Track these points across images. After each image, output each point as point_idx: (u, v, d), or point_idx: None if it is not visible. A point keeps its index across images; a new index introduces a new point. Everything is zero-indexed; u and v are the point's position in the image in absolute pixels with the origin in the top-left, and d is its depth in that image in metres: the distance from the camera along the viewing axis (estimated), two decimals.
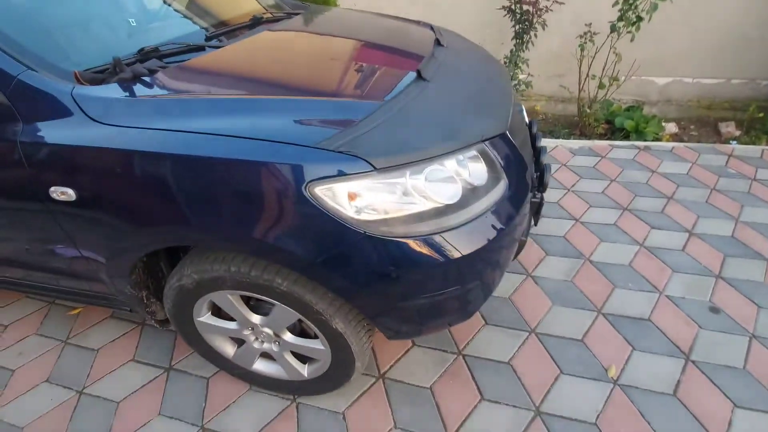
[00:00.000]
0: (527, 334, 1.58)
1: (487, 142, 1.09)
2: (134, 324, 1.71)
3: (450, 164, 1.00)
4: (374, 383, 1.44)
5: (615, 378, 1.42)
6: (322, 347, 1.18)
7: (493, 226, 1.03)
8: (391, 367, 1.49)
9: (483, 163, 1.07)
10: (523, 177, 1.19)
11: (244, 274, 1.03)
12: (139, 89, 1.03)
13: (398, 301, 1.01)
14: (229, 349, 1.35)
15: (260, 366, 1.36)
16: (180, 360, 1.56)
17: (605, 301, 1.70)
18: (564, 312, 1.66)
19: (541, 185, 1.33)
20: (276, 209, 0.91)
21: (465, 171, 1.02)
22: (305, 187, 0.88)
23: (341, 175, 0.89)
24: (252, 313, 1.20)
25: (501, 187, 1.08)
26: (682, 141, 3.05)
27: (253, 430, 1.33)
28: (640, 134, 3.02)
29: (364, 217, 0.92)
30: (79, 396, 1.47)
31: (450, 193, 0.97)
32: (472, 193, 1.02)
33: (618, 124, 3.09)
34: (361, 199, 0.91)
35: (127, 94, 1.01)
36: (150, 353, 1.60)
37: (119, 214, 1.00)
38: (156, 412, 1.40)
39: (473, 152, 1.06)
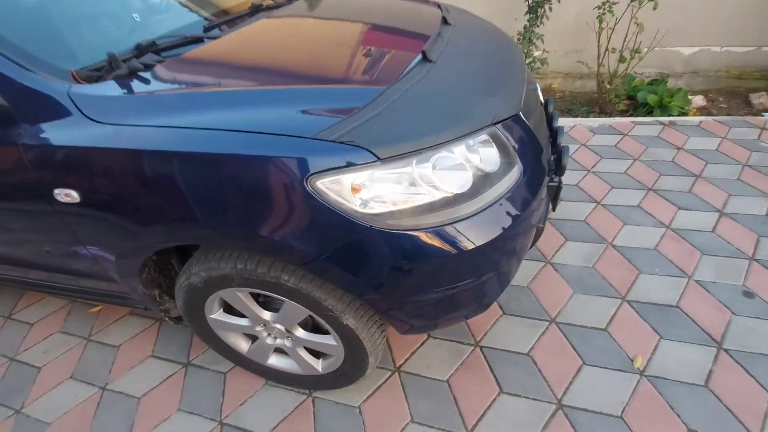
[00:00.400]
0: (547, 323, 1.53)
1: (499, 125, 1.03)
2: (152, 320, 1.73)
3: (459, 150, 0.94)
4: (390, 377, 1.42)
5: (641, 369, 1.36)
6: (335, 343, 1.15)
7: (508, 214, 0.97)
8: (406, 359, 1.47)
9: (495, 147, 1.01)
10: (539, 160, 1.13)
11: (250, 272, 1.00)
12: (135, 85, 1.00)
13: (409, 296, 0.97)
14: (243, 345, 1.34)
15: (275, 361, 1.35)
16: (197, 355, 1.57)
17: (630, 288, 1.62)
18: (586, 300, 1.60)
19: (559, 168, 1.26)
20: (278, 205, 0.87)
21: (475, 157, 0.97)
22: (306, 181, 0.85)
23: (343, 167, 0.85)
24: (262, 309, 1.18)
25: (515, 173, 1.02)
26: (710, 114, 2.88)
27: (271, 425, 1.33)
28: (664, 109, 2.86)
29: (369, 210, 0.88)
30: (102, 392, 1.50)
31: (460, 182, 0.92)
32: (483, 181, 0.96)
33: (641, 98, 2.93)
34: (366, 191, 0.87)
35: (124, 91, 0.99)
36: (168, 349, 1.62)
37: (122, 215, 0.99)
38: (175, 407, 1.42)
39: (484, 136, 0.99)
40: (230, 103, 0.92)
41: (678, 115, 2.80)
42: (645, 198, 2.06)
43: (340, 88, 0.99)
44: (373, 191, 0.87)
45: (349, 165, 0.85)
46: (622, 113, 2.98)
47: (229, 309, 1.25)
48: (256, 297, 1.18)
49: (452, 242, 0.90)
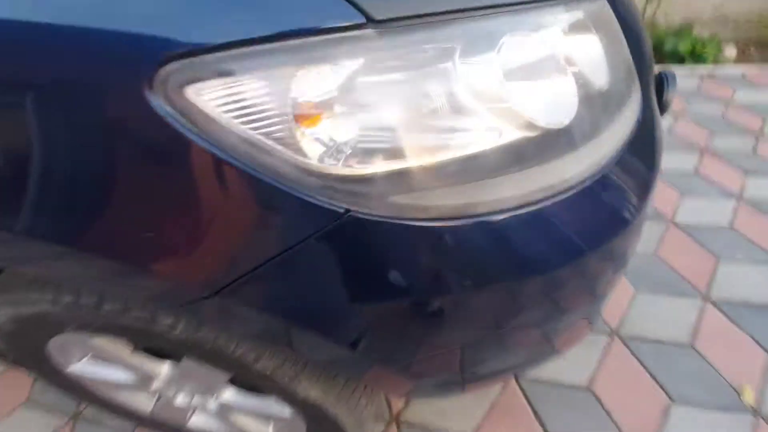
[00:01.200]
0: (608, 338, 1.07)
1: None
2: None
3: (549, 30, 0.41)
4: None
5: (754, 405, 0.92)
6: (286, 416, 0.64)
7: (638, 176, 0.47)
8: (408, 403, 0.98)
9: (597, 37, 0.48)
10: (652, 79, 0.63)
11: (89, 310, 0.46)
12: None
13: (423, 351, 0.46)
14: (143, 404, 0.81)
15: (201, 421, 0.84)
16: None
17: (710, 282, 1.18)
18: (654, 302, 1.14)
19: (660, 105, 0.75)
20: (96, 166, 0.33)
21: (573, 49, 0.44)
22: (164, 91, 0.30)
23: (271, 47, 0.30)
24: (155, 359, 0.65)
25: (636, 93, 0.51)
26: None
27: None
28: (697, 58, 2.43)
29: (343, 168, 0.33)
30: None
31: (557, 101, 0.39)
32: (595, 103, 0.44)
33: (669, 47, 2.50)
34: (335, 120, 0.33)
35: None
36: (49, 393, 1.07)
37: None
38: None
39: (580, 14, 0.46)
40: None
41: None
42: (701, 162, 1.61)
43: None
44: (355, 120, 0.33)
45: (290, 36, 0.30)
46: None
47: None
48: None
49: (545, 247, 0.38)
